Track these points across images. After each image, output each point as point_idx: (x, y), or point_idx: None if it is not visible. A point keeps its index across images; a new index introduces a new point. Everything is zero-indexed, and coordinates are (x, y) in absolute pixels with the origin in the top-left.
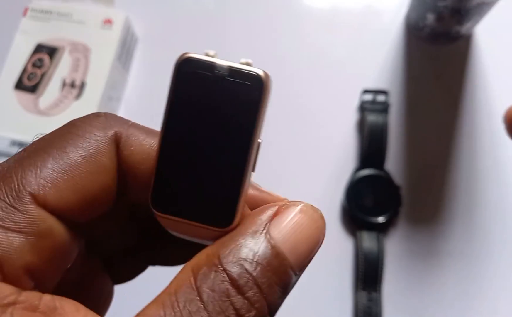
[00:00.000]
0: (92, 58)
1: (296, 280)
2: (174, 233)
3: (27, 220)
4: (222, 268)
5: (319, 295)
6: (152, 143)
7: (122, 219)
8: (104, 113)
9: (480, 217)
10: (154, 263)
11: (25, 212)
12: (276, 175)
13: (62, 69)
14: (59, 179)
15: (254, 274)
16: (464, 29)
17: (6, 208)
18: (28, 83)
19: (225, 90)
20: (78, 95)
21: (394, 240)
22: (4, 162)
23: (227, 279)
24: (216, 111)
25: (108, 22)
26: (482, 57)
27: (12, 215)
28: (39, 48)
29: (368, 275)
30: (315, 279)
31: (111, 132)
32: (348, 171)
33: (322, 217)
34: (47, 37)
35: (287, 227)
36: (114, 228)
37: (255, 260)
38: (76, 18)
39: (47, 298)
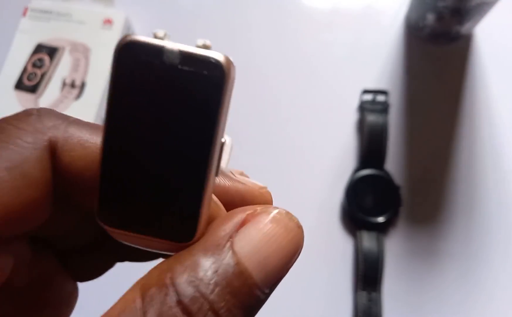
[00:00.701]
0: (92, 58)
1: (265, 299)
2: (131, 245)
3: None
4: (173, 290)
5: (319, 295)
6: (98, 143)
7: (71, 222)
8: (37, 109)
9: (480, 217)
10: (121, 259)
11: None
12: (276, 175)
13: (62, 69)
14: None
15: (210, 297)
16: (464, 29)
17: None
18: (28, 83)
19: (176, 81)
20: (78, 95)
21: (394, 240)
22: None
23: (177, 304)
24: (167, 108)
25: (108, 22)
26: (482, 57)
27: None
28: (39, 48)
29: (368, 275)
30: (315, 279)
31: (44, 137)
32: (348, 171)
33: (298, 226)
34: (47, 37)
35: (255, 239)
36: (68, 226)
37: (213, 280)
38: (76, 18)
39: None
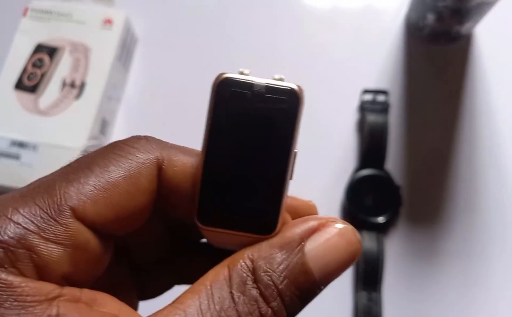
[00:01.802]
0: (92, 58)
1: (320, 292)
2: (216, 245)
3: (66, 233)
4: (253, 275)
5: (319, 295)
6: (192, 162)
7: (153, 233)
8: (145, 136)
9: (480, 217)
10: (180, 282)
11: (64, 225)
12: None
13: (62, 69)
14: (98, 196)
15: (280, 287)
16: (464, 29)
17: (48, 220)
18: (28, 83)
19: (263, 106)
20: (78, 95)
21: (394, 240)
22: (50, 174)
23: (256, 286)
24: (255, 127)
25: (108, 22)
26: (482, 57)
27: (53, 227)
28: (39, 48)
29: (368, 275)
30: None
31: (153, 155)
32: (348, 171)
33: (359, 241)
34: (47, 37)
35: (322, 246)
36: (144, 240)
37: (284, 273)
38: (76, 18)
39: (86, 291)
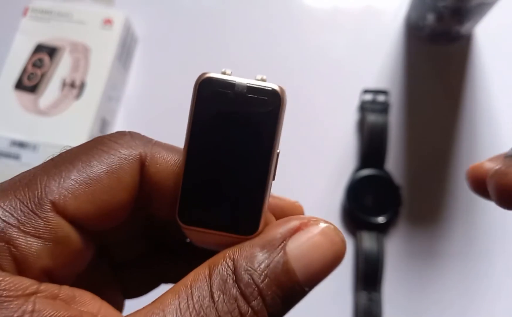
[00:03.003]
0: (92, 58)
1: (305, 294)
2: (198, 244)
3: (46, 227)
4: (234, 275)
5: (319, 295)
6: (176, 160)
7: (134, 230)
8: (129, 132)
9: (480, 217)
10: (167, 281)
11: (44, 219)
12: (276, 174)
13: (62, 69)
14: (80, 191)
15: (260, 286)
16: (464, 29)
17: (28, 213)
18: (28, 83)
19: (244, 106)
20: (78, 95)
21: (394, 240)
22: (32, 168)
23: (236, 285)
24: (236, 127)
25: (108, 22)
26: (482, 57)
27: (33, 221)
28: (39, 48)
29: (368, 275)
30: None
31: (136, 152)
32: (348, 171)
33: (342, 241)
34: (47, 37)
35: (304, 245)
36: (125, 237)
37: (265, 272)
38: (76, 18)
39: (66, 288)
